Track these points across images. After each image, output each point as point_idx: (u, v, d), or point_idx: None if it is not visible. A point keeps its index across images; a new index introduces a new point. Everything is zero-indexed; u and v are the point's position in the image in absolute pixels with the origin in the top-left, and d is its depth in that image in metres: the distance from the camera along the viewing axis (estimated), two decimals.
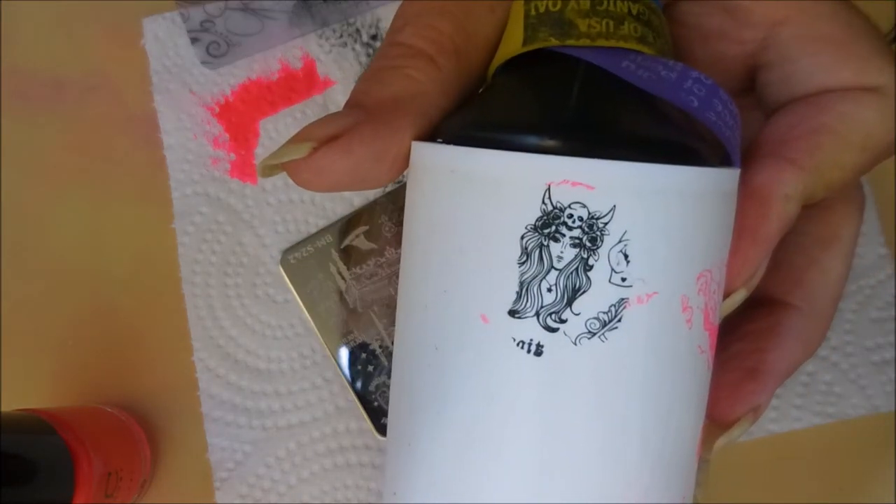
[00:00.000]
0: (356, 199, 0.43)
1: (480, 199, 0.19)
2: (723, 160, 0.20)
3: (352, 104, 0.21)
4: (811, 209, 0.23)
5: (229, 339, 0.42)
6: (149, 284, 0.43)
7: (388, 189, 0.43)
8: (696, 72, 0.20)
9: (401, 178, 0.41)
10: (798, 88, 0.22)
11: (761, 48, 0.23)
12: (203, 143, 0.44)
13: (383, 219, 0.43)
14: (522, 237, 0.18)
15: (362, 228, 0.43)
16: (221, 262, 0.43)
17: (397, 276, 0.42)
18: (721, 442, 0.23)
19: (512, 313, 0.18)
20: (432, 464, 0.20)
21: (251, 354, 0.42)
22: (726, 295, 0.21)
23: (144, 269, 0.43)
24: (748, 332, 0.24)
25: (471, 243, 0.19)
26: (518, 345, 0.18)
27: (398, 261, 0.42)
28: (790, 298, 0.24)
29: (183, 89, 0.44)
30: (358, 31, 0.44)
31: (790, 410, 0.41)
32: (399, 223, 0.42)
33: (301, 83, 0.44)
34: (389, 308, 0.42)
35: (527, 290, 0.18)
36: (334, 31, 0.44)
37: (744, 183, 0.21)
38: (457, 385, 0.19)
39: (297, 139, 0.20)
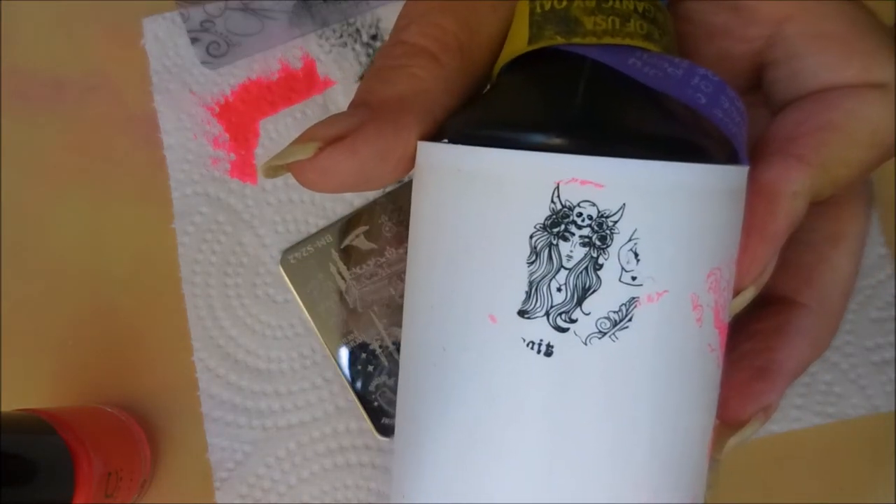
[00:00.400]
0: (356, 199, 0.43)
1: (487, 198, 0.18)
2: (730, 157, 0.20)
3: (356, 104, 0.21)
4: (819, 206, 0.23)
5: (229, 339, 0.42)
6: (149, 284, 0.43)
7: (389, 189, 0.43)
8: (703, 69, 0.19)
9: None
10: (804, 85, 0.22)
11: (767, 45, 0.23)
12: (203, 143, 0.44)
13: (383, 219, 0.42)
14: (531, 236, 0.18)
15: (362, 228, 0.42)
16: (221, 262, 0.43)
17: (397, 277, 0.42)
18: (733, 442, 0.22)
19: (521, 313, 0.18)
20: (441, 465, 0.19)
21: (251, 354, 0.42)
22: (736, 293, 0.21)
23: (144, 269, 0.43)
24: (757, 331, 0.24)
25: (477, 243, 0.19)
26: (528, 345, 0.18)
27: (398, 261, 0.42)
28: (799, 297, 0.24)
29: (183, 89, 0.44)
30: (358, 31, 0.44)
31: (790, 410, 0.41)
32: (399, 223, 0.42)
33: (301, 83, 0.44)
34: (389, 308, 0.42)
35: (536, 289, 0.18)
36: (334, 31, 0.44)
37: (751, 180, 0.21)
38: (465, 385, 0.19)
39: (301, 139, 0.20)
